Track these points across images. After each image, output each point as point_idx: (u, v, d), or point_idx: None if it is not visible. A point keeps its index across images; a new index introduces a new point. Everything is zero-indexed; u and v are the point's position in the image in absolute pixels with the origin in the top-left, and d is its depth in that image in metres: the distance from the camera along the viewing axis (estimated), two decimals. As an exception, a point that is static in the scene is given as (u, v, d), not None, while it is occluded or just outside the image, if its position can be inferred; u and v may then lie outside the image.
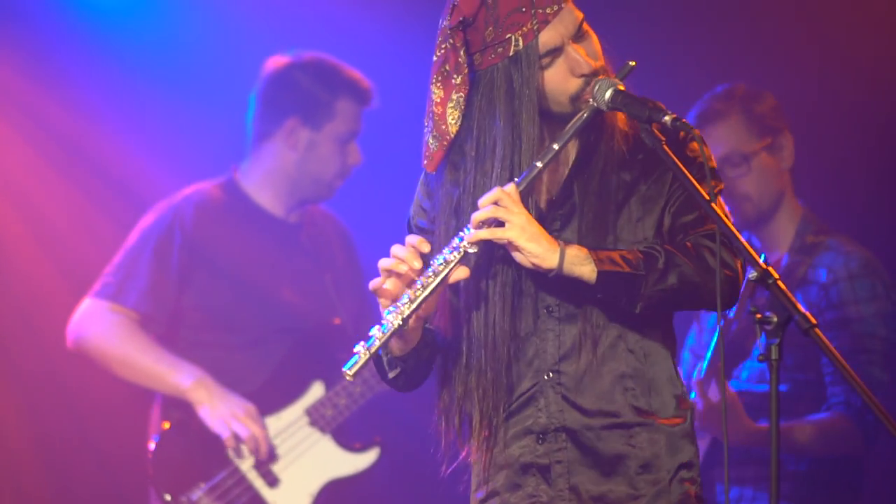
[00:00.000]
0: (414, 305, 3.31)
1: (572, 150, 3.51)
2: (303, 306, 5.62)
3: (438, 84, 3.45)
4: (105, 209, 6.40)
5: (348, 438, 5.58)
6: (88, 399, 6.37)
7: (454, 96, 3.43)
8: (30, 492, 6.38)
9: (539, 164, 3.37)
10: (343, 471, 5.54)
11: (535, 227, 3.35)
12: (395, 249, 3.37)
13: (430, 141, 3.47)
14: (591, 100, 3.40)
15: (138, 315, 5.48)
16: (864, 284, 5.12)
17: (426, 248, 3.37)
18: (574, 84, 3.44)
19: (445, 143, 3.44)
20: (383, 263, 3.37)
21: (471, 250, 3.34)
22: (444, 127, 3.44)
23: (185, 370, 5.40)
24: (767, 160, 5.28)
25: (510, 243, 3.34)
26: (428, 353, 3.51)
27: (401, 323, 3.31)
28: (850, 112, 6.02)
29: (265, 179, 5.66)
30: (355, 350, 3.31)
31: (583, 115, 3.40)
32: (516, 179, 3.38)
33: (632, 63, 3.44)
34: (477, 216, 3.34)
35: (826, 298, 5.11)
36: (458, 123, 3.43)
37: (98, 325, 5.47)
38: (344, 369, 3.29)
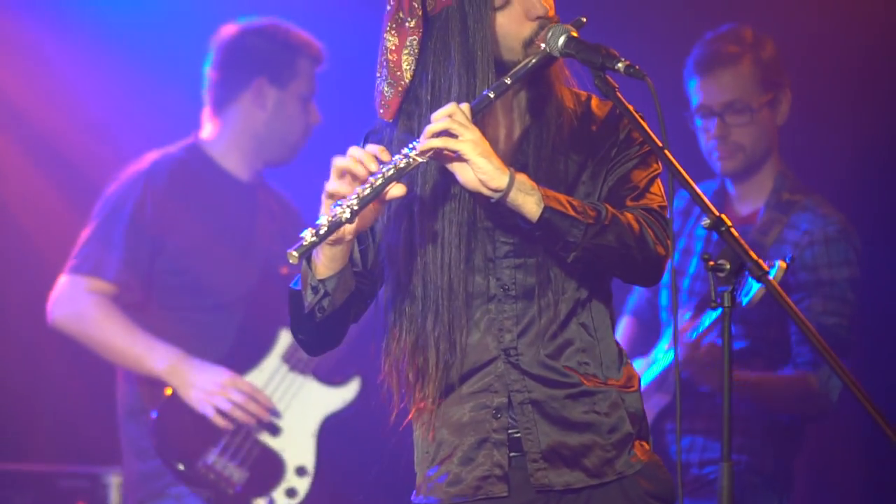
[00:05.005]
0: (361, 201, 3.22)
1: (522, 124, 3.48)
2: (268, 266, 5.66)
3: (392, 32, 3.41)
4: (67, 176, 6.39)
5: (328, 375, 5.64)
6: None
7: (409, 41, 3.39)
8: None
9: (491, 95, 3.32)
10: (333, 405, 5.61)
11: (488, 146, 3.28)
12: (354, 150, 3.29)
13: (385, 89, 3.42)
14: (543, 45, 3.37)
15: (117, 287, 5.47)
16: (838, 249, 5.14)
17: (386, 156, 3.28)
18: (528, 28, 3.42)
19: (401, 88, 3.40)
20: (339, 162, 3.28)
21: (420, 159, 3.26)
22: (398, 73, 3.39)
23: (158, 354, 5.40)
24: (767, 115, 5.28)
25: (460, 156, 3.25)
26: (351, 288, 3.43)
27: (348, 216, 3.21)
28: (837, 71, 5.97)
29: (232, 142, 5.68)
30: (302, 235, 3.21)
31: (532, 59, 3.38)
32: (470, 102, 3.32)
33: (583, 19, 3.41)
34: (430, 129, 3.27)
35: (800, 259, 5.09)
36: (413, 69, 3.38)
37: (74, 306, 5.45)
38: (289, 251, 3.20)
